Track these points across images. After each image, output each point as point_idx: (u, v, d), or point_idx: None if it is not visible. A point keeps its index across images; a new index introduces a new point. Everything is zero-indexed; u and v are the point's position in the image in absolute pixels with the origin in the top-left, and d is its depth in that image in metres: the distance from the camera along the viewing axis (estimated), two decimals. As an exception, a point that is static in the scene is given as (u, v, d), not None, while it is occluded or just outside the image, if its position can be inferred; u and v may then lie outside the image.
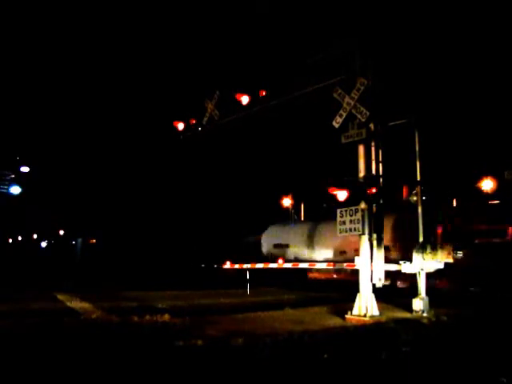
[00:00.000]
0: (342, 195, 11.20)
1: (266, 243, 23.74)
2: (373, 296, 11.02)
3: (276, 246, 23.04)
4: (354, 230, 11.30)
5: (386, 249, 16.71)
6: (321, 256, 20.26)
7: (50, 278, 24.53)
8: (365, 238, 11.16)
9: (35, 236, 77.53)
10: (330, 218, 17.80)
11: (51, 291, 16.11)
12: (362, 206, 11.11)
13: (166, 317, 10.78)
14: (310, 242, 21.12)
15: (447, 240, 13.68)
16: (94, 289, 18.70)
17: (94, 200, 53.86)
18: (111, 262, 38.02)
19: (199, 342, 8.07)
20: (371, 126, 11.30)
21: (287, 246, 22.43)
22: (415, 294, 11.83)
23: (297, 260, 20.91)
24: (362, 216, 11.10)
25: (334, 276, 17.68)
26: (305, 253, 21.38)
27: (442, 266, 11.84)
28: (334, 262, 18.17)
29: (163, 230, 42.33)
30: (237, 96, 13.35)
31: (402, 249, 16.48)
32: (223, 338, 8.59)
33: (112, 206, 52.27)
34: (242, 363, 6.94)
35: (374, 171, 11.37)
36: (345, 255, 18.86)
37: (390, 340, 8.80)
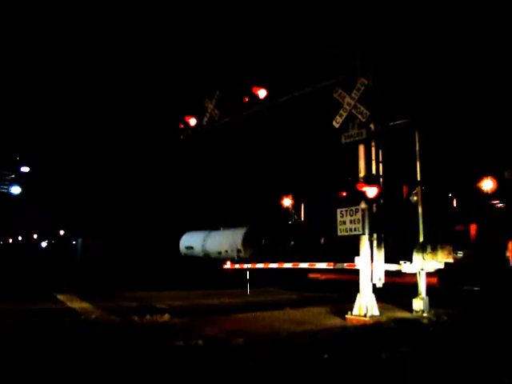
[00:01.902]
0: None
1: (181, 245, 32.48)
2: (373, 296, 11.02)
3: (186, 247, 31.83)
4: (354, 230, 11.30)
5: (239, 251, 26.59)
6: (209, 255, 29.14)
7: (50, 278, 24.52)
8: (365, 238, 11.16)
9: (35, 236, 77.60)
10: (220, 227, 29.91)
11: (51, 291, 16.09)
12: (362, 206, 11.11)
13: (166, 317, 10.79)
14: (203, 245, 29.66)
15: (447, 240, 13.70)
16: (94, 289, 18.69)
17: (94, 200, 53.85)
18: (111, 262, 38.02)
19: (200, 342, 8.07)
20: (371, 126, 11.29)
21: (192, 247, 31.09)
22: (415, 293, 11.84)
23: (196, 257, 30.09)
24: (362, 216, 11.10)
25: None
26: (200, 253, 29.97)
27: (442, 266, 11.83)
28: (216, 259, 26.91)
29: (163, 229, 42.33)
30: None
31: (252, 254, 25.72)
32: (223, 338, 8.59)
33: (112, 205, 52.27)
34: (242, 363, 6.95)
35: (374, 171, 11.36)
36: (220, 255, 27.47)
37: (390, 340, 8.80)
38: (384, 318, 10.91)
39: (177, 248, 38.12)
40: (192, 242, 31.24)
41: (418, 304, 11.64)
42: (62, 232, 67.80)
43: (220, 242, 28.21)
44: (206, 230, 30.55)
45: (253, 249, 26.38)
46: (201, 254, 29.71)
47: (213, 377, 6.26)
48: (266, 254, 24.93)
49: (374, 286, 11.02)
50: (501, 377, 6.22)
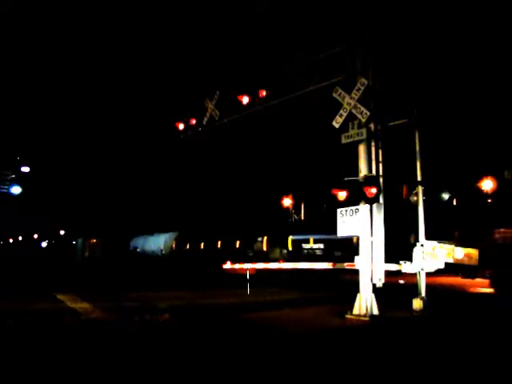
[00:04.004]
0: (342, 195, 11.18)
1: (131, 246, 44.04)
2: (373, 296, 11.02)
3: (133, 247, 43.75)
4: (354, 230, 11.30)
5: (161, 250, 38.01)
6: (145, 252, 41.23)
7: (50, 277, 24.52)
8: (365, 238, 11.16)
9: (35, 236, 77.65)
10: (157, 231, 42.46)
11: (51, 291, 16.08)
12: (362, 205, 11.11)
13: (166, 317, 10.80)
14: (142, 246, 42.42)
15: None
16: (94, 289, 18.68)
17: (94, 200, 53.84)
18: (112, 262, 38.04)
19: (200, 343, 8.08)
20: (371, 125, 11.28)
21: (137, 248, 43.08)
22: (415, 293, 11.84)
23: (139, 256, 41.78)
24: (362, 216, 11.10)
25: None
26: (140, 251, 42.06)
27: (442, 265, 11.82)
28: (150, 255, 40.18)
29: (163, 229, 42.33)
30: (238, 97, 13.27)
31: (170, 253, 37.25)
32: (223, 338, 8.60)
33: (112, 205, 52.26)
34: (242, 363, 6.96)
35: (374, 171, 11.36)
36: (152, 253, 39.52)
37: (390, 340, 8.81)
38: (384, 318, 10.90)
39: (176, 247, 39.93)
40: (136, 243, 43.85)
41: (418, 304, 11.62)
42: (62, 232, 67.83)
43: (152, 243, 41.11)
44: (146, 235, 42.87)
45: (171, 249, 37.47)
46: (140, 252, 41.88)
47: (214, 377, 6.27)
48: (182, 253, 34.65)
49: (373, 285, 11.02)
50: (499, 374, 6.23)
